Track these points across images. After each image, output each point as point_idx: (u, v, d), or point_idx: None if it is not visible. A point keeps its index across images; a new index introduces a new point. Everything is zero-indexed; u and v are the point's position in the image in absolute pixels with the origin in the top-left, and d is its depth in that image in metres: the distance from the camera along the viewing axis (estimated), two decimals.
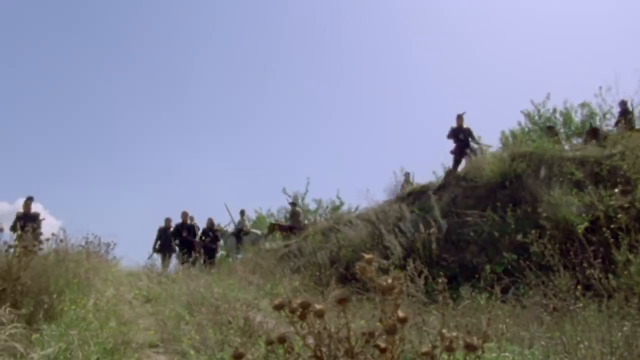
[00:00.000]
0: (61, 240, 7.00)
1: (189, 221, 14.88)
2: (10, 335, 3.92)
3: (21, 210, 12.47)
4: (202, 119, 55.07)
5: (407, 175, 16.50)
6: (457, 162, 13.38)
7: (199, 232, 15.18)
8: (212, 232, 15.15)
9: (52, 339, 4.28)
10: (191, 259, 12.11)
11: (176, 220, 14.98)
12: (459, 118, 13.65)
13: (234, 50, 57.67)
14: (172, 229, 14.52)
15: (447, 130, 13.56)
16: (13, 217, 12.21)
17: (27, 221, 11.37)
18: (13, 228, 11.52)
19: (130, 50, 57.41)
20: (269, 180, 47.44)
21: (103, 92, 53.79)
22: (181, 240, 14.16)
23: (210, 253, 14.38)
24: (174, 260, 14.06)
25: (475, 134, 13.83)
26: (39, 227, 11.88)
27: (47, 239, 9.05)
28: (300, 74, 57.77)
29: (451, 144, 13.66)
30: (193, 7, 58.35)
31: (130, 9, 59.01)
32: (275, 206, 25.02)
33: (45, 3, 54.84)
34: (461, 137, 13.46)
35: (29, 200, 12.52)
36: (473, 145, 13.61)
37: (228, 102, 55.42)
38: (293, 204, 18.43)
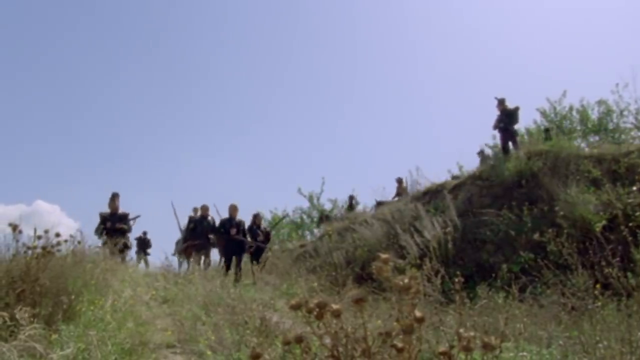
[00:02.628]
0: (79, 242, 6.98)
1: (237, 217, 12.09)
2: (29, 336, 3.96)
3: (107, 210, 10.23)
4: (215, 119, 55.45)
5: (399, 180, 16.38)
6: (504, 150, 12.79)
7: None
8: (259, 229, 12.60)
9: (71, 339, 4.32)
10: (235, 269, 11.07)
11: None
12: (499, 103, 13.13)
13: (248, 49, 57.96)
14: (217, 224, 12.30)
15: (457, 130, 13.29)
16: (98, 219, 10.11)
17: (115, 222, 9.96)
18: (99, 231, 9.72)
19: (144, 50, 57.87)
20: (284, 180, 47.68)
21: (117, 93, 54.41)
22: (228, 239, 11.64)
23: (258, 255, 12.34)
24: (209, 262, 12.69)
25: (519, 114, 13.08)
26: (129, 229, 10.37)
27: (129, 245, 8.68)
28: (315, 73, 57.85)
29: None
30: (206, 5, 58.67)
31: (141, 8, 59.46)
32: (291, 206, 24.99)
33: (56, 6, 55.45)
34: (501, 126, 13.02)
35: (115, 196, 10.31)
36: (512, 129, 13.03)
37: (242, 102, 55.78)
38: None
